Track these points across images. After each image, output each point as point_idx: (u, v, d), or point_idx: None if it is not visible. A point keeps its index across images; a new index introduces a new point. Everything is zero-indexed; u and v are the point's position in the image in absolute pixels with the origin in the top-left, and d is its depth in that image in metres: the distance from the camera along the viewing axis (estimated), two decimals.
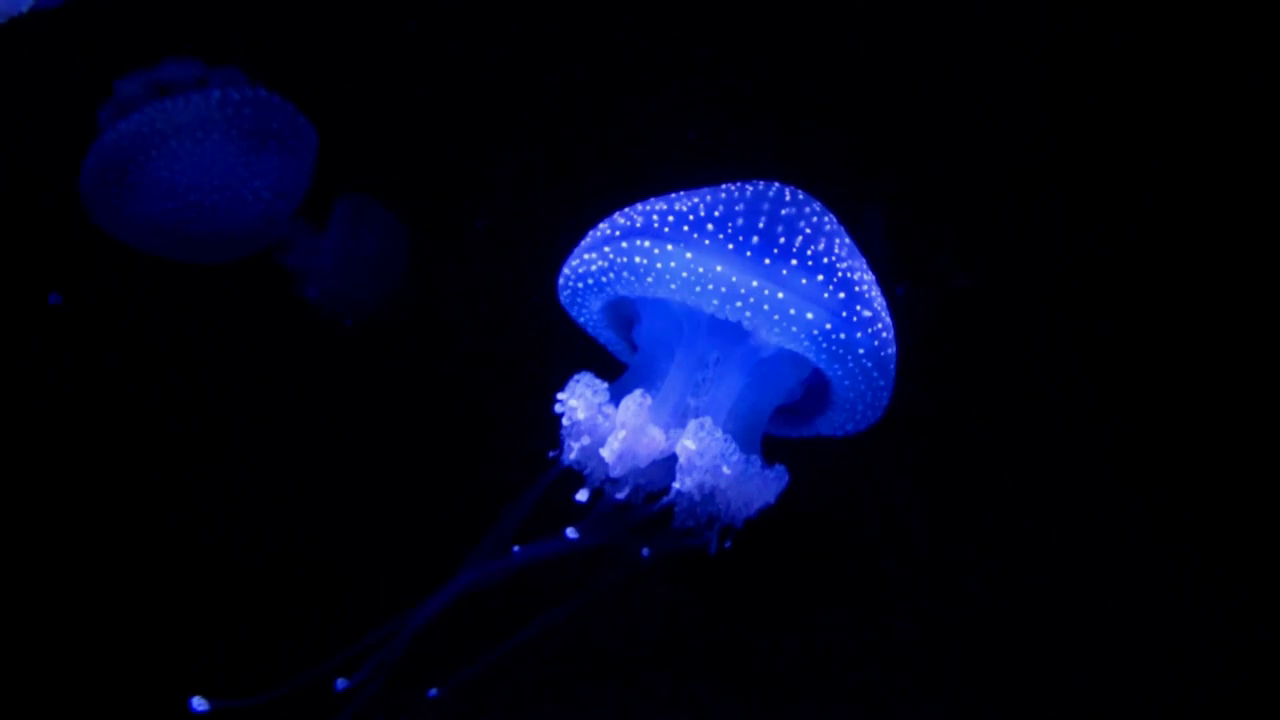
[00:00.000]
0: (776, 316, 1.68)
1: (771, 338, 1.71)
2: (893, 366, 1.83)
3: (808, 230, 1.76)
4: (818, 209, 1.82)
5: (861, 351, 1.73)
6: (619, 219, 1.82)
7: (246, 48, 2.64)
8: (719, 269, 1.68)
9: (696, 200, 1.79)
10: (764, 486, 1.79)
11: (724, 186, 1.83)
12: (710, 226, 1.74)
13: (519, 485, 1.92)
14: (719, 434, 1.72)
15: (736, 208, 1.77)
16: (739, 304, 1.67)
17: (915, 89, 2.71)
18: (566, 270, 1.87)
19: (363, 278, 2.74)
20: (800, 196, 1.82)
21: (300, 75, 2.61)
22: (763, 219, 1.75)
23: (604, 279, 1.78)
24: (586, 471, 1.79)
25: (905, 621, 2.84)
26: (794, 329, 1.68)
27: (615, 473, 1.73)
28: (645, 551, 1.89)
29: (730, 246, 1.71)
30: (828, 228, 1.80)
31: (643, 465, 1.74)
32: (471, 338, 2.89)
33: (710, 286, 1.68)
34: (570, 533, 1.82)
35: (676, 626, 2.82)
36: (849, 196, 2.09)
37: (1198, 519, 2.79)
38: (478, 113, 2.84)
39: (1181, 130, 2.67)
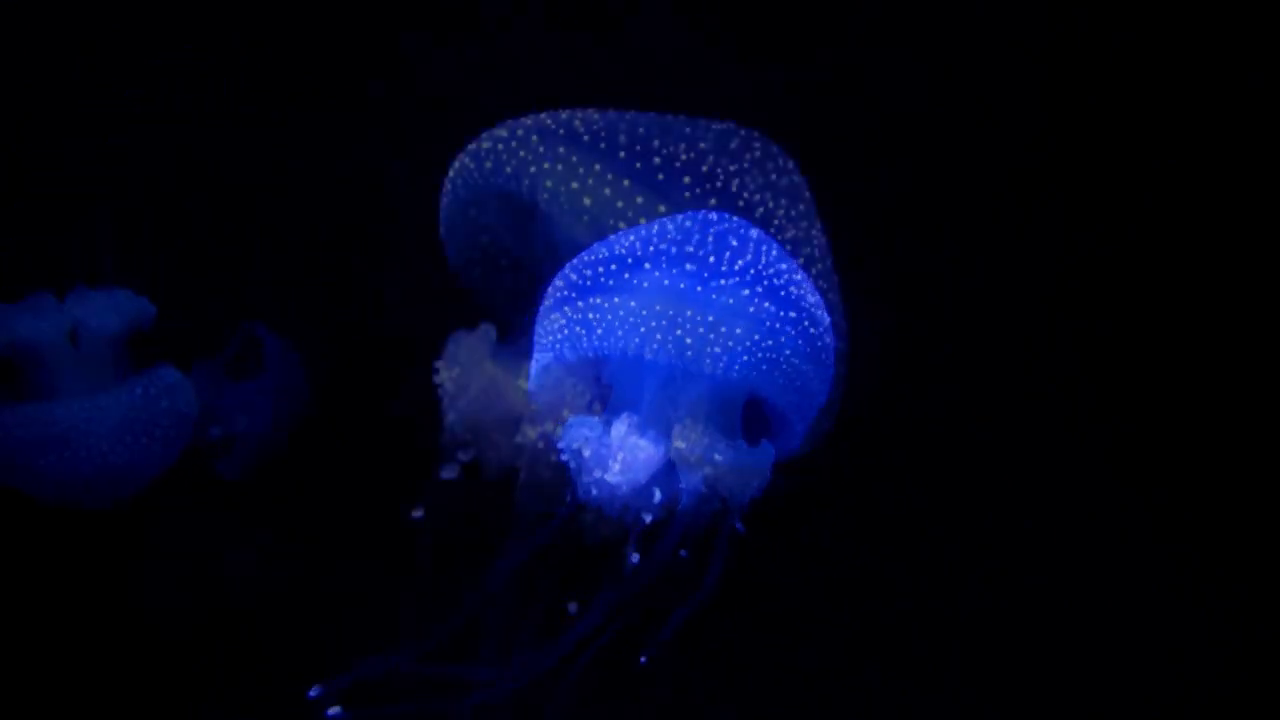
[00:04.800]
0: (707, 350, 1.84)
1: (707, 368, 1.86)
2: (828, 358, 1.97)
3: (734, 243, 1.88)
4: (744, 225, 1.93)
5: (788, 353, 1.88)
6: (571, 275, 1.95)
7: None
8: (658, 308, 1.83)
9: (633, 239, 1.91)
10: (755, 463, 1.98)
11: (659, 220, 1.93)
12: (648, 265, 1.87)
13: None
14: (701, 429, 1.91)
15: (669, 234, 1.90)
16: (674, 348, 1.84)
17: (913, 89, 2.71)
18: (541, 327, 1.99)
19: (277, 415, 2.66)
20: (730, 218, 1.91)
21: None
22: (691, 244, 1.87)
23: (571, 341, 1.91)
24: (602, 502, 1.94)
25: (904, 622, 2.85)
26: (722, 358, 1.85)
27: (624, 492, 1.90)
28: (684, 553, 2.04)
29: (665, 283, 1.86)
30: (754, 235, 1.92)
31: (645, 479, 1.90)
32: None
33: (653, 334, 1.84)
34: (633, 558, 1.99)
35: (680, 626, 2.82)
36: (844, 202, 2.11)
37: (1197, 519, 2.78)
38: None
39: (1181, 130, 2.67)
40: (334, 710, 1.99)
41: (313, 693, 1.99)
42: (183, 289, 2.70)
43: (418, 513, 1.95)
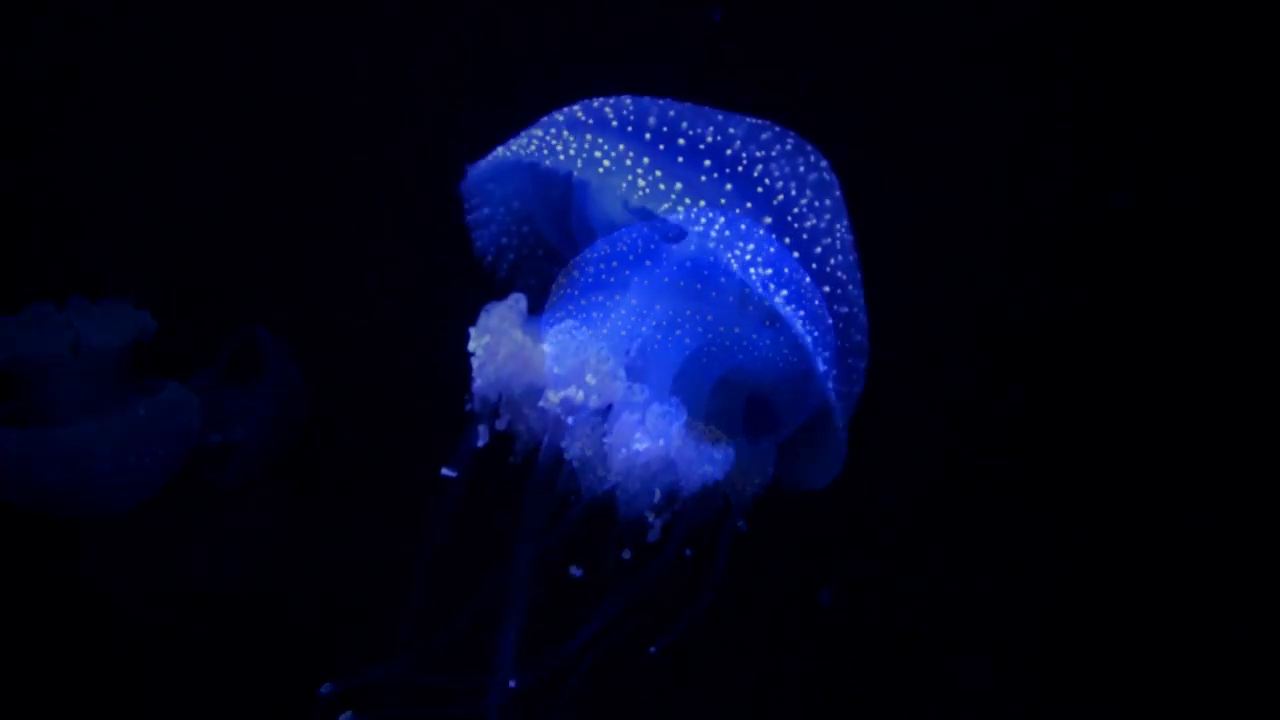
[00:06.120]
0: (706, 349, 1.92)
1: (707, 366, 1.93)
2: (829, 357, 1.94)
3: (736, 241, 1.85)
4: (757, 232, 1.87)
5: (786, 351, 1.92)
6: (574, 272, 1.99)
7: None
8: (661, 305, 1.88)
9: (635, 235, 1.94)
10: (755, 461, 2.01)
11: (661, 218, 1.89)
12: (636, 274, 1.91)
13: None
14: (701, 425, 1.92)
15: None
16: (673, 347, 1.90)
17: (943, 93, 2.71)
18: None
19: (276, 420, 2.63)
20: (741, 225, 1.86)
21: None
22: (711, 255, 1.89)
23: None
24: (604, 499, 1.92)
25: (902, 622, 2.85)
26: (721, 357, 1.93)
27: (626, 489, 1.89)
28: (688, 552, 2.04)
29: (678, 282, 1.90)
30: (757, 233, 1.87)
31: (647, 477, 1.89)
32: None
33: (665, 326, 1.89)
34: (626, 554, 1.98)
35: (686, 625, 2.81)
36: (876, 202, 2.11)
37: (1197, 519, 2.79)
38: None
39: (1182, 130, 2.68)
40: (345, 716, 1.97)
41: (324, 689, 1.97)
42: (180, 294, 2.68)
43: (449, 471, 1.93)
